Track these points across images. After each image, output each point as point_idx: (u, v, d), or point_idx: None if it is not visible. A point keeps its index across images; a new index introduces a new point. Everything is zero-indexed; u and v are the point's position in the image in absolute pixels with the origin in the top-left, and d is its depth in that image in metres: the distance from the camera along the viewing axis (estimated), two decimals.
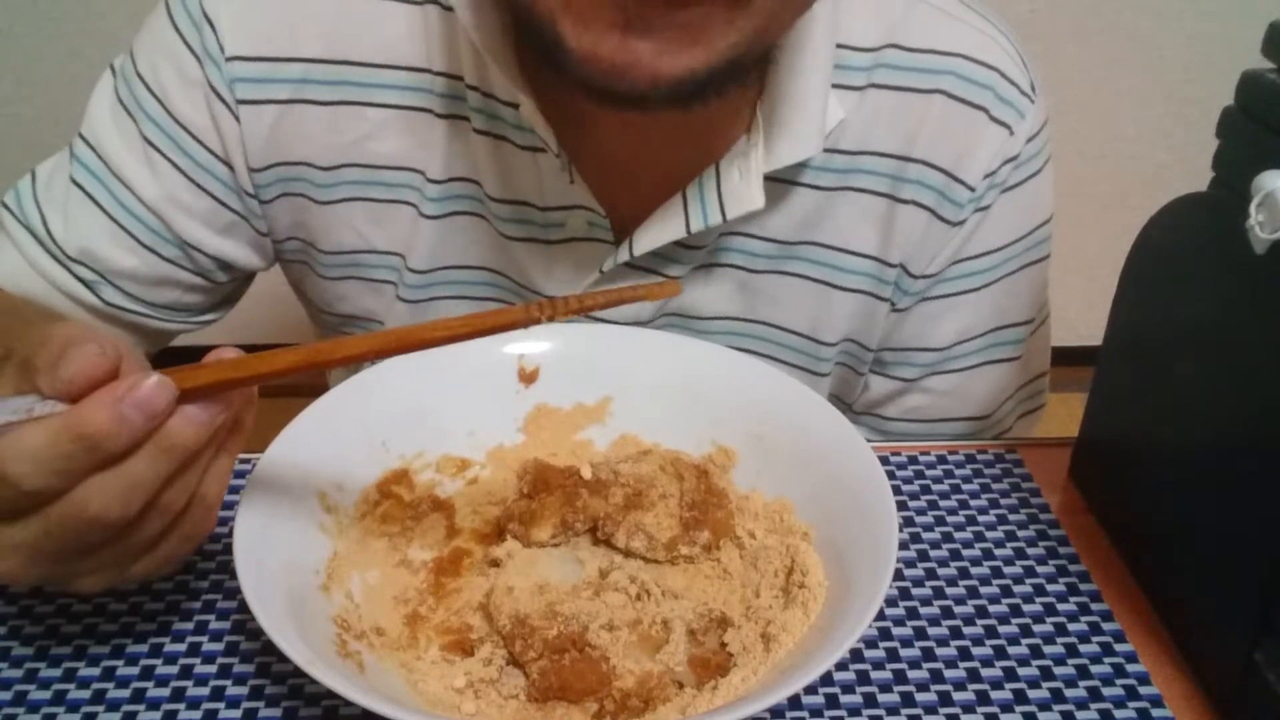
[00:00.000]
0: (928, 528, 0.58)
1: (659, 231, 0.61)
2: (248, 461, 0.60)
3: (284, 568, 0.46)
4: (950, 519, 0.59)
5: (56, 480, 0.38)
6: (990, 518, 0.59)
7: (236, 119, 0.61)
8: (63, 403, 0.39)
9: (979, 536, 0.57)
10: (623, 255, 0.62)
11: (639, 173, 0.61)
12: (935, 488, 0.61)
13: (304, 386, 0.60)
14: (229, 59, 0.60)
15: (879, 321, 0.68)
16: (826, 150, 0.61)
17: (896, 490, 0.58)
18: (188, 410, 0.40)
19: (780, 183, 0.62)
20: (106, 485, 0.39)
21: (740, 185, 0.59)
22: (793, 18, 0.52)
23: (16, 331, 0.58)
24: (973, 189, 0.63)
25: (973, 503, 0.60)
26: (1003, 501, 0.60)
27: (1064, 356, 0.84)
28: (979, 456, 0.63)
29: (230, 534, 0.46)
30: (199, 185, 0.63)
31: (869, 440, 0.64)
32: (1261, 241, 0.43)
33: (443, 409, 0.57)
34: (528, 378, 0.59)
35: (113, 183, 0.63)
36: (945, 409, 0.72)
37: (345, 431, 0.54)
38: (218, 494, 0.44)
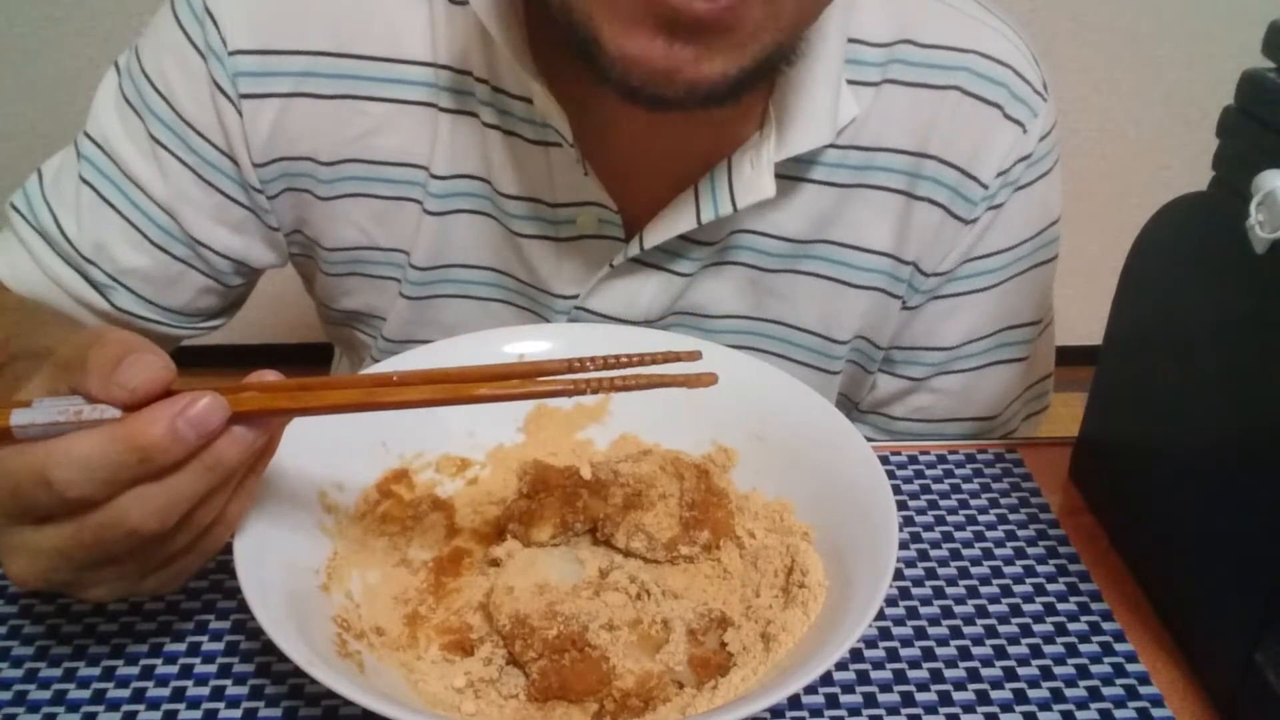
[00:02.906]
0: (928, 527, 0.58)
1: (670, 224, 0.61)
2: None
3: (284, 568, 0.46)
4: (950, 519, 0.59)
5: (102, 489, 0.38)
6: (990, 517, 0.59)
7: (239, 113, 0.61)
8: (112, 409, 0.39)
9: (979, 536, 0.57)
10: (633, 249, 0.62)
11: (652, 170, 0.61)
12: (935, 487, 0.61)
13: None
14: (231, 53, 0.60)
15: (890, 319, 0.68)
16: (843, 147, 0.61)
17: (896, 490, 0.58)
18: (235, 431, 0.40)
19: (795, 180, 0.62)
20: (148, 498, 0.39)
21: (751, 175, 0.59)
22: (819, 9, 0.52)
23: (29, 330, 0.58)
24: (986, 186, 0.63)
25: (973, 502, 0.60)
26: (1003, 501, 0.60)
27: (1064, 356, 0.84)
28: (979, 456, 0.63)
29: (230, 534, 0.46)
30: (208, 182, 0.63)
31: (872, 440, 0.65)
32: (1261, 241, 0.43)
33: (442, 409, 0.57)
34: None
35: (123, 182, 0.63)
36: (952, 409, 0.72)
37: (345, 431, 0.53)
38: (239, 513, 0.44)
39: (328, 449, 0.52)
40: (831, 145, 0.60)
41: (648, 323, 0.66)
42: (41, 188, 0.64)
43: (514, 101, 0.60)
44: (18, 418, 0.39)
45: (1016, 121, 0.62)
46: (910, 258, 0.65)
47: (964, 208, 0.63)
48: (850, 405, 0.74)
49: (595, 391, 0.44)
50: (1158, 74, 1.75)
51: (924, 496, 0.60)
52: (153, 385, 0.39)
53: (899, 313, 0.68)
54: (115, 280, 0.64)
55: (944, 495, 0.60)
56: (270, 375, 0.43)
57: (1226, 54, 1.70)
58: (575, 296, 0.65)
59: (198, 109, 0.61)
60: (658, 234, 0.61)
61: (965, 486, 0.61)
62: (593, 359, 0.44)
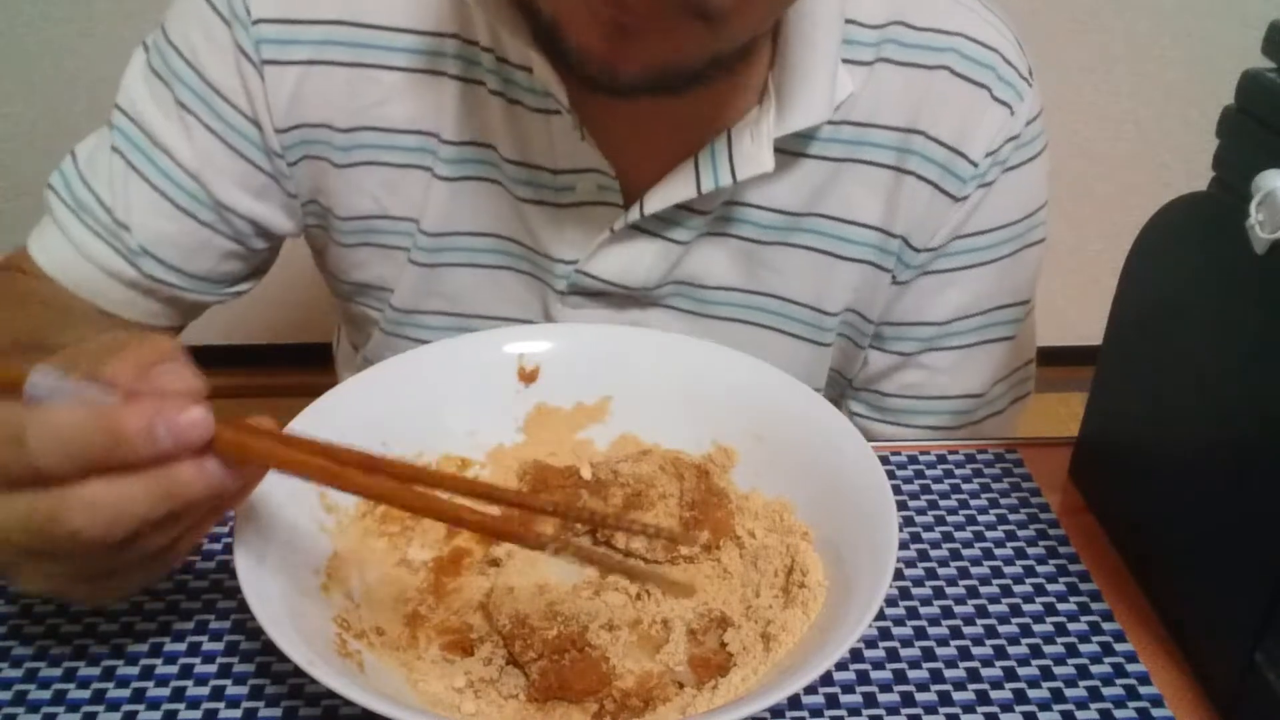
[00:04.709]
0: (928, 528, 0.58)
1: (669, 192, 0.63)
2: None
3: (284, 568, 0.46)
4: (950, 519, 0.59)
5: (66, 464, 0.38)
6: (990, 518, 0.59)
7: (262, 79, 0.63)
8: (113, 397, 0.39)
9: (979, 536, 0.57)
10: (633, 216, 0.64)
11: (652, 140, 0.63)
12: (935, 488, 0.61)
13: (304, 386, 0.60)
14: (255, 21, 0.62)
15: (880, 293, 0.69)
16: (836, 123, 0.63)
17: (896, 490, 0.58)
18: (207, 465, 0.39)
19: (790, 155, 0.64)
20: (99, 506, 0.38)
21: (751, 149, 0.61)
22: (767, 18, 0.55)
23: (57, 326, 0.60)
24: (976, 164, 0.65)
25: (973, 503, 0.60)
26: (1003, 501, 0.60)
27: (1064, 356, 0.84)
28: (979, 456, 0.63)
29: (230, 534, 0.46)
30: (232, 147, 0.65)
31: (871, 437, 0.65)
32: (1261, 241, 0.43)
33: (443, 409, 0.57)
34: (528, 377, 0.59)
35: (151, 149, 0.65)
36: (942, 386, 0.73)
37: (345, 431, 0.53)
38: (189, 547, 0.44)
39: None
40: (826, 121, 0.62)
41: (645, 290, 0.67)
42: (76, 165, 0.66)
43: (517, 71, 0.62)
44: (37, 376, 0.39)
45: (1004, 103, 0.64)
46: (899, 231, 0.66)
47: (954, 185, 0.65)
48: (844, 383, 0.75)
49: (558, 552, 0.43)
50: (1158, 74, 1.75)
51: (924, 496, 0.60)
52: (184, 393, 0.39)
53: (889, 287, 0.69)
54: (143, 248, 0.66)
55: (944, 495, 0.60)
56: (266, 423, 0.42)
57: (1226, 54, 1.69)
58: (576, 261, 0.66)
59: (223, 74, 0.63)
60: (657, 201, 0.63)
61: (965, 486, 0.61)
62: (591, 514, 0.45)
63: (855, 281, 0.68)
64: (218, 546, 0.55)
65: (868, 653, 0.51)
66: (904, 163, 0.65)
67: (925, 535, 0.57)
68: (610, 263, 0.66)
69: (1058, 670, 0.50)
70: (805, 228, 0.66)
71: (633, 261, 0.66)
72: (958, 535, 0.58)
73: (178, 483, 0.39)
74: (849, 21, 0.62)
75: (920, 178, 0.65)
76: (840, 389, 0.76)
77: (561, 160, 0.63)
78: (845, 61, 0.62)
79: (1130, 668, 0.50)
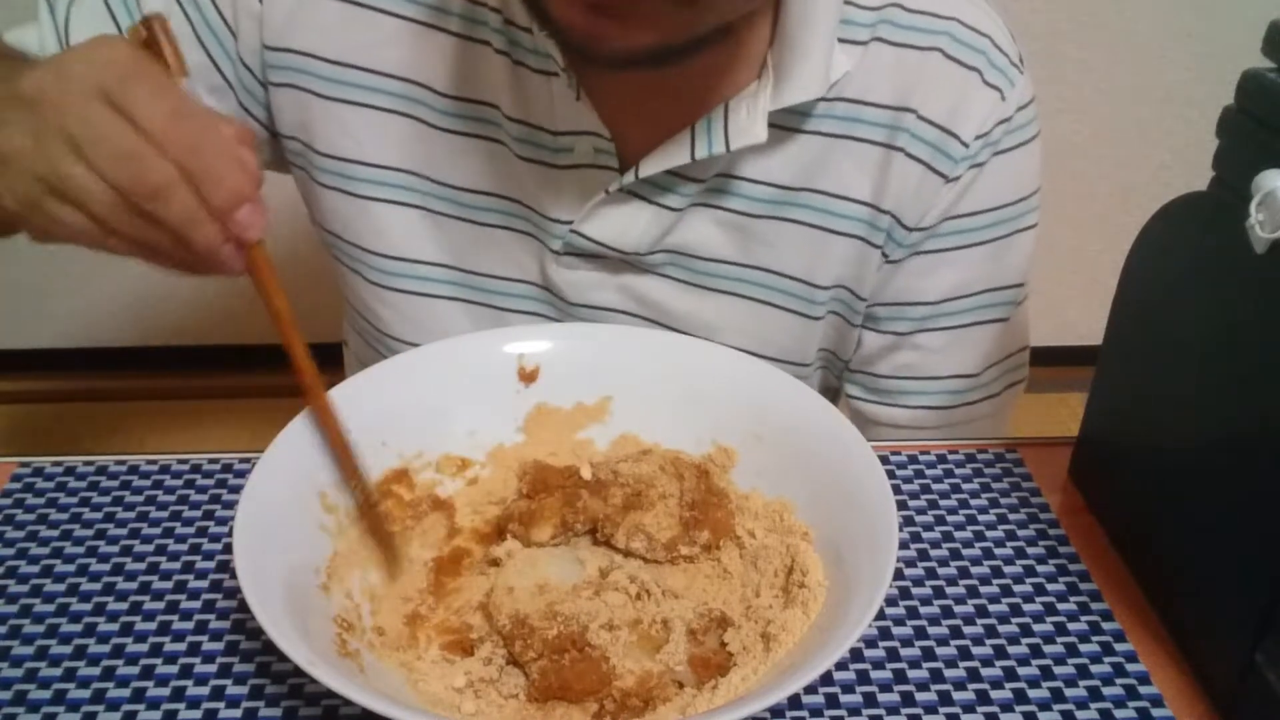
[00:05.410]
0: (928, 527, 0.58)
1: (664, 158, 0.64)
2: (248, 461, 0.60)
3: (284, 568, 0.46)
4: (950, 519, 0.59)
5: (176, 146, 0.44)
6: (990, 517, 0.59)
7: (260, 0, 0.66)
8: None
9: (979, 536, 0.58)
10: (628, 179, 0.65)
11: (649, 112, 0.64)
12: (935, 487, 0.61)
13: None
14: None
15: (870, 270, 0.70)
16: (830, 99, 0.65)
17: (896, 490, 0.58)
18: (228, 248, 0.46)
19: (786, 130, 0.65)
20: (168, 179, 0.44)
21: (746, 121, 0.62)
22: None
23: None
24: (967, 145, 0.65)
25: (973, 502, 0.60)
26: (1003, 501, 0.60)
27: (1064, 356, 0.84)
28: (979, 456, 0.63)
29: (230, 534, 0.46)
30: (200, 40, 0.67)
31: (862, 404, 0.68)
32: (1261, 241, 0.43)
33: (442, 408, 0.57)
34: (528, 377, 0.59)
35: (136, 10, 0.67)
36: (935, 366, 0.73)
37: (346, 431, 0.53)
38: (143, 254, 0.47)
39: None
40: (820, 98, 0.63)
41: (638, 254, 0.68)
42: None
43: (521, 32, 0.63)
44: (188, 85, 0.48)
45: (994, 87, 0.65)
46: (888, 207, 0.67)
47: (945, 164, 0.66)
48: (840, 365, 0.76)
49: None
50: (1158, 74, 1.75)
51: (924, 496, 0.60)
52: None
53: (881, 265, 0.69)
54: None
55: (944, 495, 0.60)
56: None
57: (1226, 54, 1.70)
58: (571, 221, 0.67)
59: None
60: (652, 165, 0.64)
61: (965, 486, 0.61)
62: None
63: (846, 256, 0.69)
64: (217, 546, 0.55)
65: (868, 653, 0.51)
66: (894, 140, 0.66)
67: (925, 535, 0.57)
68: (604, 225, 0.67)
69: (1058, 670, 0.50)
70: (798, 202, 0.67)
71: (626, 225, 0.67)
72: (958, 535, 0.58)
73: (201, 226, 0.45)
74: (847, 2, 0.63)
75: (910, 155, 0.66)
76: (836, 372, 0.76)
77: (560, 122, 0.65)
78: (842, 41, 0.64)
79: (1130, 668, 0.50)
